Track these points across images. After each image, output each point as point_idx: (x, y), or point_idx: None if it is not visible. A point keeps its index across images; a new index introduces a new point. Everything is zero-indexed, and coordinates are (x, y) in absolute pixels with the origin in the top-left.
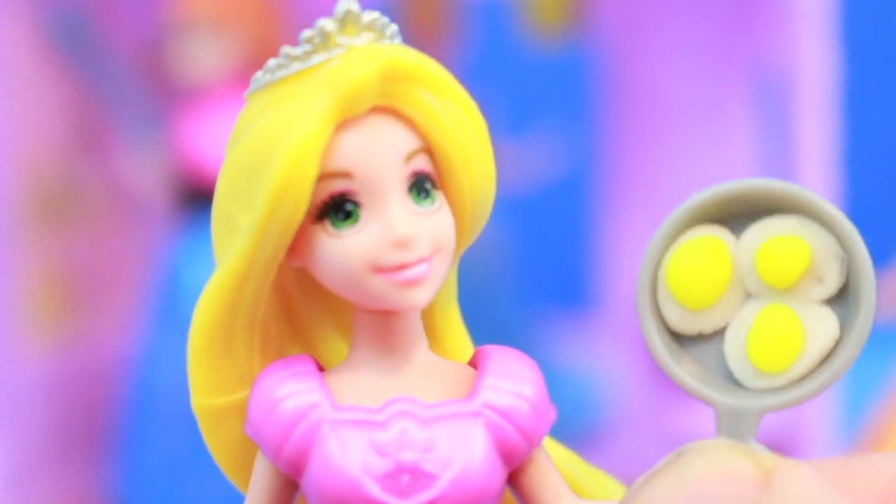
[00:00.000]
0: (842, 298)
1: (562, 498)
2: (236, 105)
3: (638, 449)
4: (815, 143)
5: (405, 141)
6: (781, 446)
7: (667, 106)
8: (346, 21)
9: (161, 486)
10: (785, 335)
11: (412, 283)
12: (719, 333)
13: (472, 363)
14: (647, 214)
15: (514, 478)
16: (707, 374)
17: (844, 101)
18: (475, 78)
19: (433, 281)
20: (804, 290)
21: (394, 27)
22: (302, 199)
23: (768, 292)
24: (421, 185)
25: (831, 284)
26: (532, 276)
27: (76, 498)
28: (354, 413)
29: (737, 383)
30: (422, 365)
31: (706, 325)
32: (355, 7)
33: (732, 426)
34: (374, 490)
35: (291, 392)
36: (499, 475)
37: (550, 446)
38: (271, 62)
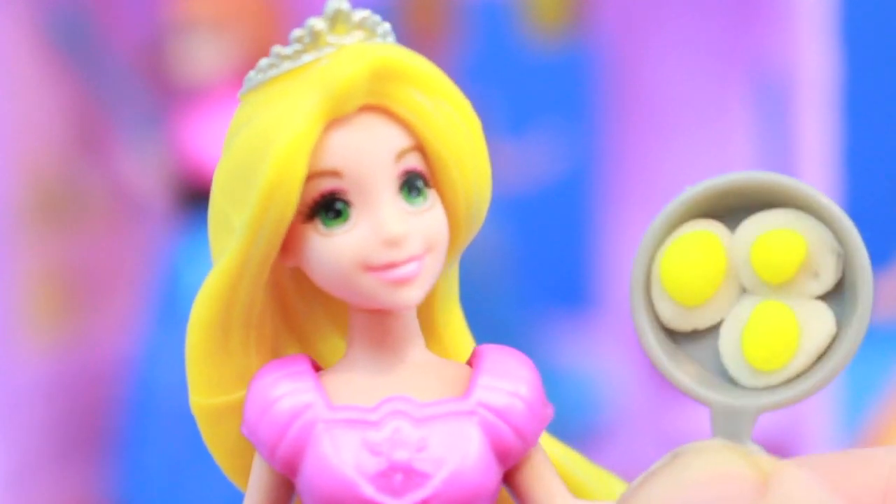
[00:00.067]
0: (838, 294)
1: (556, 497)
2: (236, 105)
3: (638, 449)
4: (815, 143)
5: (396, 139)
6: (781, 446)
7: (667, 106)
8: (336, 20)
9: (161, 486)
10: (780, 332)
11: (403, 282)
12: (714, 330)
13: (470, 362)
14: (647, 214)
15: (510, 477)
16: (702, 372)
17: (844, 101)
18: (475, 78)
19: (425, 279)
20: (800, 286)
21: (386, 26)
22: (292, 198)
23: (763, 288)
24: (412, 184)
25: (827, 279)
26: (532, 276)
27: (76, 498)
28: (349, 412)
29: (732, 381)
30: (417, 364)
31: (701, 321)
32: (345, 6)
33: (728, 426)
34: (368, 490)
35: (286, 392)
36: (493, 474)
37: (553, 445)
38: (263, 62)
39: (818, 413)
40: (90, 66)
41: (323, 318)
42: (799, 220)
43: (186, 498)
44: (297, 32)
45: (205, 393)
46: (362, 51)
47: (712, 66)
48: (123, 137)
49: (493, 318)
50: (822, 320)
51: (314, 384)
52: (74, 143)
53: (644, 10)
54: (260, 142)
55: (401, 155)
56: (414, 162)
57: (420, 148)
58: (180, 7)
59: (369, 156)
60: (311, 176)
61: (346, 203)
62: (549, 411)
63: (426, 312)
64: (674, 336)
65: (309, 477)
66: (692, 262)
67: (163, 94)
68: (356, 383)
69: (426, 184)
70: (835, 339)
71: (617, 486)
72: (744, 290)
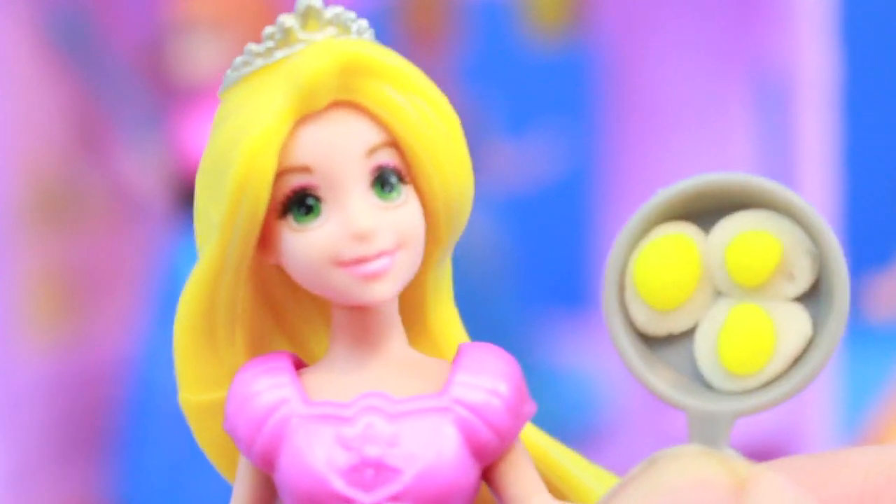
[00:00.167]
0: (814, 296)
1: (533, 497)
2: (218, 107)
3: (638, 449)
4: (815, 143)
5: (367, 135)
6: (781, 446)
7: (667, 106)
8: (307, 16)
9: (161, 486)
10: (756, 336)
11: (373, 277)
12: (689, 334)
13: (454, 360)
14: None
15: (488, 474)
16: (677, 377)
17: (844, 101)
18: (475, 78)
19: (397, 275)
20: (775, 288)
21: (362, 23)
22: (262, 195)
23: (738, 290)
24: (385, 179)
25: (803, 281)
26: (532, 276)
27: (76, 498)
28: (324, 408)
29: (708, 386)
30: (397, 360)
31: (675, 325)
32: (317, 2)
33: (705, 431)
34: (339, 484)
35: (264, 388)
36: (469, 471)
37: (551, 444)
38: (237, 60)
39: (818, 413)
40: (90, 66)
41: (312, 315)
42: (773, 221)
43: (186, 498)
44: (268, 29)
45: (193, 389)
46: (330, 46)
47: (712, 66)
48: (123, 137)
49: (492, 318)
50: (798, 323)
51: (291, 379)
52: (74, 143)
53: (644, 10)
54: (232, 138)
55: (372, 150)
56: (386, 157)
57: (394, 144)
58: (180, 7)
59: (339, 151)
60: (282, 172)
61: (318, 199)
62: (531, 409)
63: (417, 311)
64: (648, 341)
65: (284, 472)
66: (666, 265)
67: (163, 94)
68: (335, 379)
69: (401, 179)
70: (811, 342)
71: (609, 480)
72: (719, 293)
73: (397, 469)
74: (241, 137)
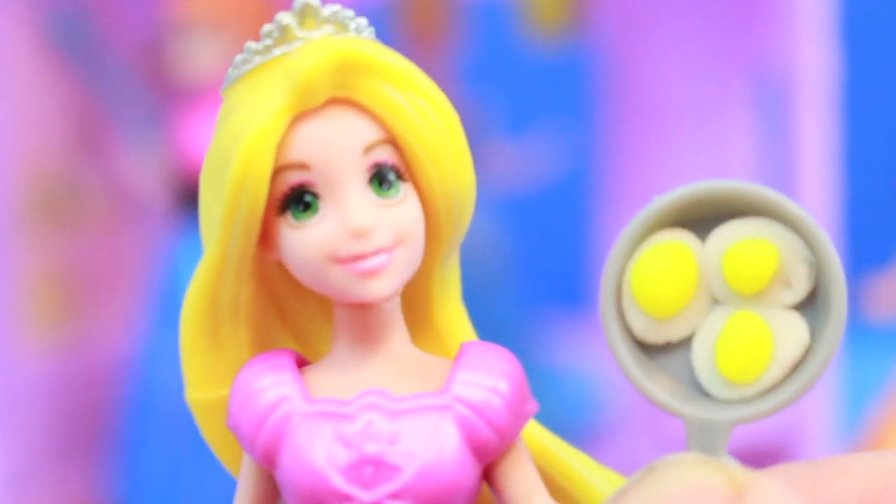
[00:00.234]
0: (811, 304)
1: (533, 498)
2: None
3: (638, 449)
4: (815, 143)
5: (365, 132)
6: (781, 447)
7: (667, 106)
8: (304, 14)
9: (161, 486)
10: (754, 344)
11: (370, 274)
12: (686, 342)
13: (456, 359)
14: None
15: (489, 474)
16: (676, 385)
17: (844, 101)
18: (475, 78)
19: (395, 272)
20: (772, 296)
21: (361, 21)
22: (260, 191)
23: (736, 298)
24: (383, 176)
25: (800, 289)
26: (532, 276)
27: (76, 498)
28: (324, 405)
29: (706, 394)
30: (398, 358)
31: (673, 333)
32: (314, 1)
33: (703, 439)
34: (338, 481)
35: (266, 385)
36: (469, 469)
37: (558, 443)
38: (238, 58)
39: (818, 413)
40: (90, 66)
41: (316, 313)
42: (770, 229)
43: (186, 498)
44: (266, 27)
45: (199, 387)
46: (327, 44)
47: (712, 66)
48: (123, 137)
49: (492, 318)
50: (795, 331)
51: (293, 377)
52: (74, 143)
53: (644, 10)
54: (232, 136)
55: (370, 147)
56: (385, 155)
57: (393, 141)
58: (180, 7)
59: (336, 148)
60: (280, 169)
61: (315, 196)
62: (532, 408)
63: (424, 309)
64: (646, 349)
65: (285, 469)
66: (663, 273)
67: (163, 94)
68: (336, 377)
69: (399, 177)
70: (809, 350)
71: (617, 480)
72: (716, 301)
73: (397, 467)
74: (240, 135)
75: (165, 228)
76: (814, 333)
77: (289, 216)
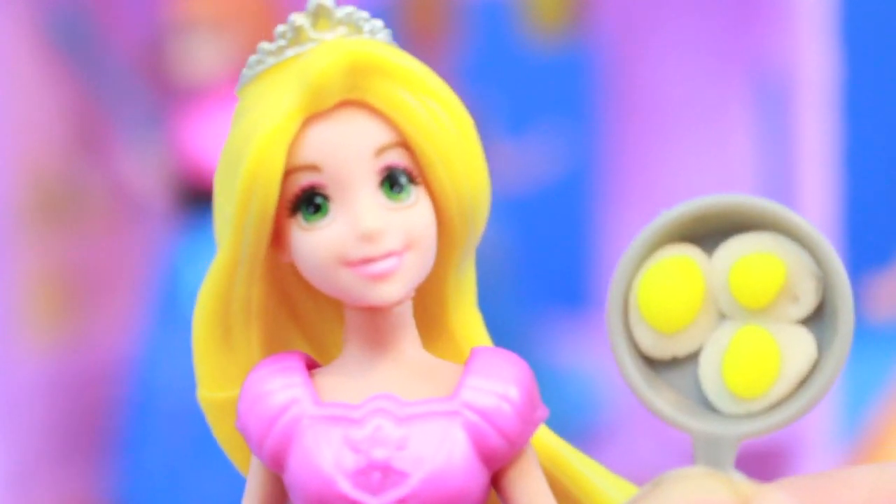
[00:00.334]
0: (818, 318)
1: None
2: (236, 105)
3: (638, 449)
4: (815, 143)
5: (376, 135)
6: (781, 447)
7: (667, 106)
8: (318, 15)
9: (161, 486)
10: (761, 359)
11: (379, 278)
12: (694, 357)
13: (466, 364)
14: (647, 215)
15: (497, 480)
16: (682, 399)
17: (844, 101)
18: (475, 78)
19: (405, 276)
20: (780, 310)
21: (376, 23)
22: (271, 192)
23: (743, 313)
24: (395, 180)
25: (807, 304)
26: (532, 276)
27: (76, 498)
28: (334, 409)
29: (713, 409)
30: (409, 363)
31: (680, 348)
32: (328, 2)
33: (710, 453)
34: (345, 486)
35: (276, 388)
36: (477, 476)
37: (569, 450)
38: (251, 58)
39: (818, 413)
40: (90, 66)
41: (330, 315)
42: (777, 243)
43: (186, 498)
44: (280, 28)
45: (210, 386)
46: (339, 45)
47: (712, 66)
48: (123, 137)
49: (493, 318)
50: (802, 345)
51: (303, 380)
52: (74, 143)
53: (644, 10)
54: (243, 136)
55: (381, 150)
56: (396, 158)
57: (405, 144)
58: (180, 7)
59: (347, 150)
60: (292, 170)
61: (326, 198)
62: (542, 414)
63: (439, 314)
64: (653, 363)
65: (293, 472)
66: (670, 288)
67: (163, 94)
68: (346, 381)
69: (411, 180)
70: (816, 364)
71: (628, 489)
72: (723, 316)
73: (404, 472)
74: (252, 134)
75: (165, 228)
76: (821, 348)
77: (299, 218)
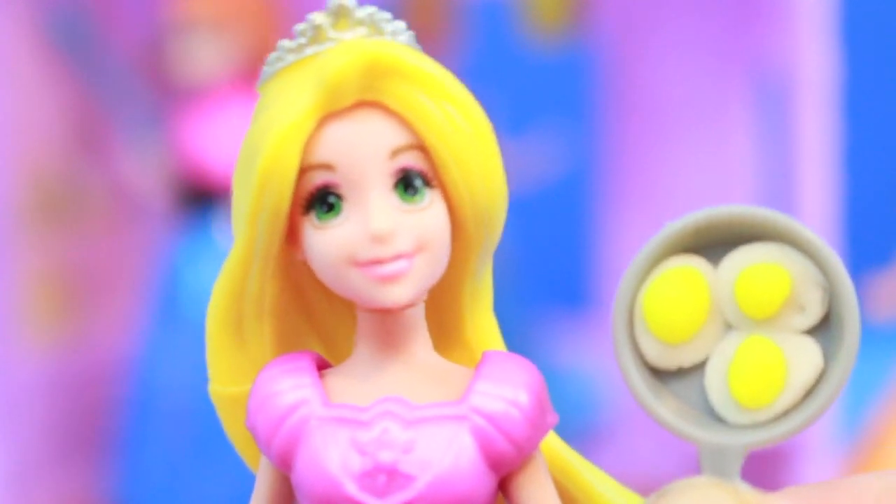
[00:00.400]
0: (824, 328)
1: None
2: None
3: (637, 449)
4: (815, 143)
5: (392, 136)
6: (782, 448)
7: (667, 106)
8: (338, 15)
9: (161, 486)
10: (767, 369)
11: (389, 279)
12: (699, 367)
13: (476, 368)
14: (647, 215)
15: (505, 486)
16: (688, 410)
17: (844, 101)
18: (475, 78)
19: (415, 279)
20: (785, 320)
21: (398, 24)
22: (285, 189)
23: (748, 323)
24: (409, 182)
25: (813, 313)
26: (532, 276)
27: (76, 498)
28: (342, 411)
29: (719, 419)
30: (419, 366)
31: (686, 359)
32: (348, 2)
33: (716, 463)
34: (351, 488)
35: (285, 388)
36: (484, 480)
37: (578, 459)
38: (271, 55)
39: None
40: (90, 66)
41: (343, 314)
42: (783, 253)
43: (186, 498)
44: (299, 26)
45: (222, 381)
46: (357, 45)
47: (712, 66)
48: (123, 137)
49: None
50: (809, 355)
51: (313, 381)
52: (74, 143)
53: (644, 10)
54: (260, 132)
55: (396, 152)
56: (412, 160)
57: (422, 147)
58: (180, 7)
59: (362, 150)
60: (307, 168)
61: (339, 197)
62: (552, 419)
63: (455, 319)
64: (659, 374)
65: (300, 473)
66: (675, 299)
67: (163, 94)
68: (356, 382)
69: (426, 183)
70: (822, 374)
71: (635, 499)
72: (728, 326)
73: (411, 476)
74: (268, 131)
75: (165, 228)
76: (827, 357)
77: (313, 216)
